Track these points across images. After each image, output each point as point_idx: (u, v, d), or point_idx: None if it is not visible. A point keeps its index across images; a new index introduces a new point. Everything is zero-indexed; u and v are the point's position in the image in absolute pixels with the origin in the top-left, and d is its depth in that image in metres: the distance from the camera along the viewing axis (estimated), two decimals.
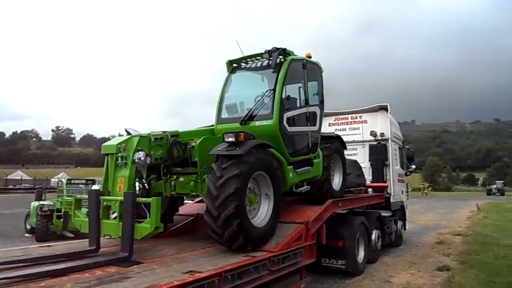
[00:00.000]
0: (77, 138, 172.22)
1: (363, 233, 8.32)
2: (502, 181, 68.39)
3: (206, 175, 5.10)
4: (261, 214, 5.21)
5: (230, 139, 4.79)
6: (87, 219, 4.69)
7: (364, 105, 11.40)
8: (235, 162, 4.65)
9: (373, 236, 8.93)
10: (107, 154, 4.82)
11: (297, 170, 6.01)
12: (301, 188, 6.31)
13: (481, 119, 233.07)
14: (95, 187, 13.09)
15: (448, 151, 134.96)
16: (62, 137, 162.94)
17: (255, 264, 4.42)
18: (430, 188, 62.85)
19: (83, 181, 13.48)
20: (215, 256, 4.62)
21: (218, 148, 4.87)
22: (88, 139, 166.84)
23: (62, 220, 11.57)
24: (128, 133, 5.15)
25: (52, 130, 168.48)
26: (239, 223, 4.55)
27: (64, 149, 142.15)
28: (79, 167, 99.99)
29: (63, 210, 11.71)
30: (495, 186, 63.53)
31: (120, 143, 4.71)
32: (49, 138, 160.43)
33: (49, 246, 5.34)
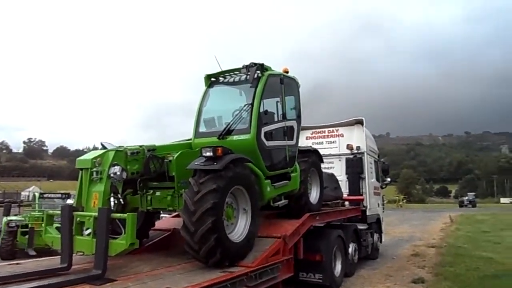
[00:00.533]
0: (50, 150, 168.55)
1: (340, 247, 8.35)
2: (473, 193, 70.34)
3: (183, 190, 5.05)
4: (239, 229, 5.18)
5: (208, 154, 4.77)
6: (59, 236, 4.56)
7: (340, 118, 11.61)
8: (212, 177, 4.63)
9: (350, 249, 8.98)
10: (81, 169, 4.72)
11: (275, 184, 6.03)
12: (279, 202, 6.32)
13: (452, 132, 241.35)
14: (69, 201, 12.62)
15: (422, 164, 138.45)
16: (34, 149, 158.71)
17: (233, 280, 4.39)
18: (404, 200, 63.95)
19: (58, 195, 12.88)
20: (192, 272, 4.55)
21: (196, 163, 4.84)
22: (62, 151, 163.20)
23: (27, 236, 10.80)
24: (104, 147, 5.06)
25: (24, 142, 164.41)
26: (216, 238, 4.51)
27: (36, 161, 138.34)
28: (51, 180, 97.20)
29: (29, 226, 10.99)
30: (466, 198, 65.17)
31: (95, 158, 4.62)
32: (21, 150, 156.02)
33: (17, 263, 5.13)
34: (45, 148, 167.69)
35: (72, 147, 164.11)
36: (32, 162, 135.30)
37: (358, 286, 8.25)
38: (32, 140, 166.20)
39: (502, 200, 74.39)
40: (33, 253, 10.45)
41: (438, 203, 78.65)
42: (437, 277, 8.89)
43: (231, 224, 5.09)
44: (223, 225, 4.71)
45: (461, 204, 61.83)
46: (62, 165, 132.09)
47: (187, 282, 3.98)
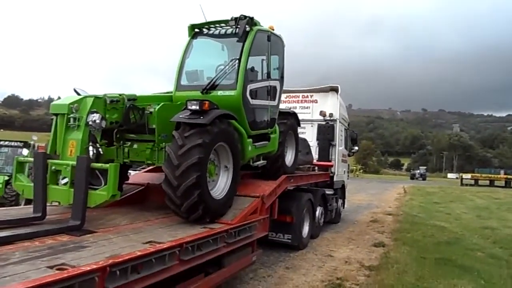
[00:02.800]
0: (0, 99, 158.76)
1: (309, 210, 8.57)
2: (424, 167, 74.38)
3: (164, 144, 4.87)
4: (220, 186, 5.10)
5: (194, 107, 4.57)
6: (31, 184, 4.29)
7: (308, 86, 11.57)
8: (198, 131, 4.47)
9: (317, 213, 9.23)
10: (56, 114, 4.41)
11: (256, 143, 5.95)
12: (258, 163, 6.29)
13: (410, 108, 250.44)
14: (25, 151, 11.95)
15: (380, 136, 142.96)
16: None
17: (214, 236, 4.34)
18: (361, 170, 66.41)
19: (18, 143, 11.82)
20: (172, 227, 4.45)
21: (181, 116, 4.63)
22: (13, 101, 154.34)
23: None
24: (78, 94, 4.73)
25: None
26: (200, 194, 4.41)
27: None
28: (2, 130, 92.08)
29: None
30: (418, 171, 68.87)
31: (72, 103, 4.30)
32: None
33: None
34: None
35: (25, 97, 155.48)
36: None
37: (323, 248, 8.54)
38: None
39: (449, 175, 78.68)
40: None
41: (392, 175, 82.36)
42: (396, 242, 9.37)
43: (212, 181, 4.99)
44: (206, 181, 4.61)
45: (413, 177, 65.25)
46: (14, 114, 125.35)
47: (170, 237, 3.89)
